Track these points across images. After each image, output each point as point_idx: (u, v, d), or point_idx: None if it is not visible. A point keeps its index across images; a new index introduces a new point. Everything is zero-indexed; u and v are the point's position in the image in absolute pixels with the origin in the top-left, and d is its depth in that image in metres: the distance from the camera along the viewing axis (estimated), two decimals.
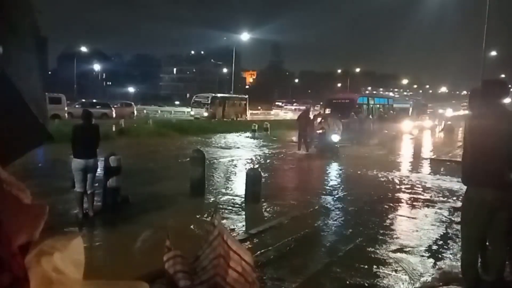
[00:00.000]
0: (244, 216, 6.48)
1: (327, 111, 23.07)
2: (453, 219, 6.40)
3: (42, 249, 0.73)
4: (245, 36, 45.54)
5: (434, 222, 6.32)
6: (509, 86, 4.10)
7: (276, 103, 64.18)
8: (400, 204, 7.55)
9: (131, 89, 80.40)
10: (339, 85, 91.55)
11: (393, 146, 18.24)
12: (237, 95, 41.66)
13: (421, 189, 8.85)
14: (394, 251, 4.95)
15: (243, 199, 7.22)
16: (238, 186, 8.26)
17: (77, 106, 27.20)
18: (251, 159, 13.03)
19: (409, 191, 8.71)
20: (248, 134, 22.67)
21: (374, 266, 4.44)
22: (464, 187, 3.66)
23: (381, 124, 22.37)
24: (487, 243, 3.70)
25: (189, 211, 6.59)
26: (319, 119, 15.55)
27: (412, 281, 4.10)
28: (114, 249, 4.99)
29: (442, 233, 5.74)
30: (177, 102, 62.72)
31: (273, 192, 7.93)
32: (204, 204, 7.05)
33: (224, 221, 5.80)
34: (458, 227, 5.25)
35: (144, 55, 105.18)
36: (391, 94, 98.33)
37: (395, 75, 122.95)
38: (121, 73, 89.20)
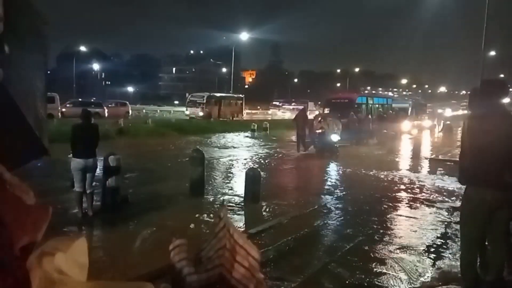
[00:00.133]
0: (243, 216, 6.49)
1: (326, 111, 23.05)
2: (452, 219, 6.41)
3: (44, 250, 0.73)
4: (244, 36, 45.52)
5: (433, 222, 6.33)
6: (508, 86, 4.10)
7: (274, 102, 63.47)
8: (399, 203, 7.56)
9: (130, 89, 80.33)
10: (338, 85, 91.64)
11: (392, 146, 18.25)
12: (233, 95, 41.17)
13: (420, 189, 8.86)
14: (394, 251, 4.95)
15: (242, 199, 7.23)
16: (238, 186, 8.26)
17: (68, 105, 26.81)
18: (251, 159, 13.03)
19: (408, 191, 8.72)
20: (247, 134, 22.68)
21: (374, 266, 4.45)
22: (463, 187, 3.67)
23: (380, 124, 22.33)
24: (486, 243, 3.70)
25: (188, 210, 6.58)
26: (318, 119, 15.54)
27: (411, 281, 4.11)
28: (114, 249, 4.98)
29: (441, 233, 5.75)
30: (176, 102, 62.72)
31: (273, 192, 7.93)
32: (204, 204, 7.05)
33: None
34: (457, 227, 5.26)
35: (143, 54, 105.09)
36: (390, 94, 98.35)
37: (394, 75, 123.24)
38: (120, 73, 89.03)
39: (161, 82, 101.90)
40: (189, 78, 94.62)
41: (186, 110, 34.21)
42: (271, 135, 22.58)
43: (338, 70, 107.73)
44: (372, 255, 4.79)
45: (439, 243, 5.30)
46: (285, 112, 49.68)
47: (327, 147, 13.86)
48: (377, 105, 28.49)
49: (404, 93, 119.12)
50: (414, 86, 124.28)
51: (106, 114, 27.09)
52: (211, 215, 6.23)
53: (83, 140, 5.95)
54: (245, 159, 12.89)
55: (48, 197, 6.12)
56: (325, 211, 6.90)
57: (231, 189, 8.25)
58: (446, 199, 7.93)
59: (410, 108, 33.41)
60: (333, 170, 11.80)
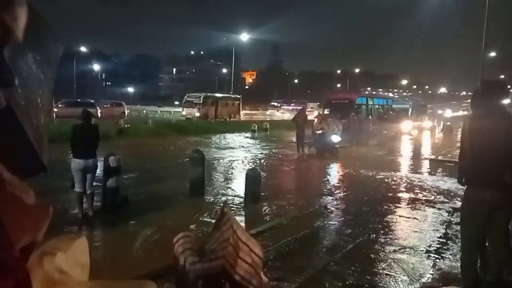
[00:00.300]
0: (244, 216, 6.48)
1: (326, 111, 23.05)
2: (452, 219, 6.41)
3: (44, 250, 0.73)
4: (244, 36, 45.51)
5: (434, 222, 6.33)
6: (509, 86, 4.10)
7: (272, 103, 63.08)
8: (399, 204, 7.56)
9: (130, 89, 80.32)
10: (338, 85, 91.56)
11: (393, 147, 18.25)
12: (230, 95, 40.93)
13: (421, 190, 8.86)
14: (394, 252, 4.95)
15: (242, 199, 7.22)
16: (238, 186, 8.26)
17: (60, 105, 26.29)
18: (251, 159, 13.03)
19: (409, 191, 8.72)
20: (247, 134, 22.67)
21: (374, 266, 4.45)
22: (463, 188, 3.67)
23: (380, 124, 22.36)
24: (487, 243, 3.70)
25: (188, 211, 6.58)
26: (318, 119, 15.53)
27: (411, 281, 4.11)
28: (114, 249, 4.98)
29: (441, 234, 5.75)
30: (176, 102, 62.61)
31: (273, 192, 7.93)
32: (204, 204, 7.04)
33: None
34: (458, 227, 5.26)
35: (143, 55, 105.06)
36: (390, 94, 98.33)
37: (394, 75, 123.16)
38: (120, 73, 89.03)
39: (161, 82, 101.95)
40: (189, 79, 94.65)
41: (183, 110, 33.75)
42: (272, 135, 22.56)
43: (338, 71, 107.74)
44: (373, 256, 4.78)
45: (439, 244, 5.30)
46: (284, 113, 49.63)
47: (327, 147, 13.85)
48: (377, 106, 28.51)
49: (405, 93, 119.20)
50: (415, 86, 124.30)
51: (99, 115, 26.15)
52: (211, 215, 6.23)
53: (83, 140, 5.95)
54: (245, 159, 12.88)
55: (48, 197, 6.12)
56: (325, 211, 6.90)
57: (231, 190, 8.24)
58: (446, 199, 7.93)
59: (410, 109, 33.43)
60: (333, 171, 11.80)
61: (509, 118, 3.40)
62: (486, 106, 3.49)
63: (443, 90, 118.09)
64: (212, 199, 7.36)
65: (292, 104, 56.61)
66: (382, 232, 5.75)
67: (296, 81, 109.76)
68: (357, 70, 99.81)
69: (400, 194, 8.43)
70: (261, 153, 14.74)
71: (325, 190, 8.64)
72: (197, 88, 53.21)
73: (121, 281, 1.20)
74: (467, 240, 3.65)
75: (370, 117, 23.34)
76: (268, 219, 6.32)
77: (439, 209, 7.14)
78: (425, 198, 8.04)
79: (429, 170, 12.08)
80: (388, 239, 5.44)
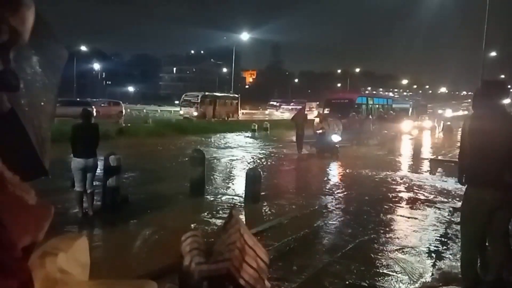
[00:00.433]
0: (244, 216, 6.48)
1: (326, 111, 23.05)
2: (452, 219, 6.41)
3: (45, 250, 0.73)
4: (245, 36, 45.57)
5: (434, 222, 6.33)
6: (509, 86, 4.10)
7: (271, 102, 62.87)
8: (399, 204, 7.56)
9: (131, 89, 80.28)
10: (339, 85, 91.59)
11: (393, 147, 18.26)
12: (228, 94, 40.68)
13: (421, 189, 8.86)
14: (394, 251, 4.95)
15: (243, 199, 7.22)
16: (238, 186, 8.26)
17: (57, 104, 26.47)
18: (251, 159, 13.03)
19: (409, 191, 8.72)
20: (248, 134, 22.67)
21: (374, 266, 4.45)
22: (464, 188, 3.67)
23: (380, 124, 22.34)
24: (487, 243, 3.70)
25: (188, 210, 6.59)
26: (318, 119, 15.54)
27: (411, 281, 4.11)
28: (114, 248, 4.99)
29: (441, 233, 5.75)
30: (176, 102, 62.51)
31: (273, 192, 7.93)
32: (204, 203, 7.04)
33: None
34: (458, 227, 5.25)
35: (144, 54, 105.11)
36: (390, 94, 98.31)
37: (394, 75, 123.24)
38: (120, 73, 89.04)
39: (162, 82, 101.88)
40: (189, 78, 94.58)
41: (180, 109, 33.35)
42: (272, 135, 22.57)
43: (338, 71, 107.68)
44: (373, 256, 4.79)
45: (439, 244, 5.30)
46: (283, 113, 49.58)
47: (327, 147, 13.85)
48: (377, 106, 28.51)
49: (405, 93, 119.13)
50: (415, 86, 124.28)
51: (95, 114, 26.03)
52: (212, 215, 6.23)
53: (83, 139, 5.95)
54: (246, 159, 12.88)
55: (48, 196, 6.10)
56: (325, 211, 6.90)
57: (232, 189, 8.25)
58: (446, 199, 7.93)
59: (410, 109, 33.44)
60: (333, 171, 11.80)
61: (509, 118, 3.40)
62: (486, 106, 3.49)
63: (443, 90, 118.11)
64: (212, 199, 7.36)
65: (291, 104, 56.53)
66: (382, 231, 5.75)
67: (296, 81, 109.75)
68: (357, 70, 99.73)
69: (400, 194, 8.43)
70: (261, 153, 14.74)
71: (325, 190, 8.64)
72: (197, 88, 53.17)
73: (121, 281, 1.20)
74: (467, 240, 3.65)
75: (370, 117, 23.31)
76: (268, 218, 6.32)
77: (439, 208, 7.14)
78: (425, 198, 8.04)
79: (429, 170, 12.08)
80: (388, 239, 5.44)
